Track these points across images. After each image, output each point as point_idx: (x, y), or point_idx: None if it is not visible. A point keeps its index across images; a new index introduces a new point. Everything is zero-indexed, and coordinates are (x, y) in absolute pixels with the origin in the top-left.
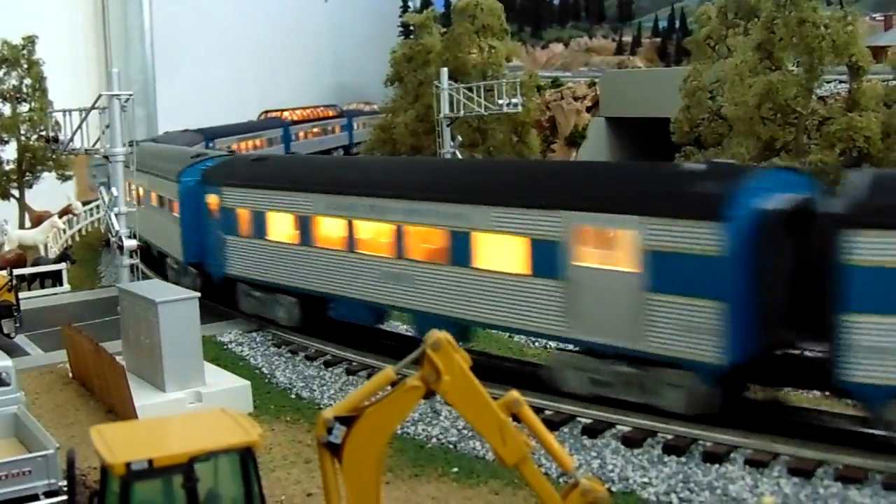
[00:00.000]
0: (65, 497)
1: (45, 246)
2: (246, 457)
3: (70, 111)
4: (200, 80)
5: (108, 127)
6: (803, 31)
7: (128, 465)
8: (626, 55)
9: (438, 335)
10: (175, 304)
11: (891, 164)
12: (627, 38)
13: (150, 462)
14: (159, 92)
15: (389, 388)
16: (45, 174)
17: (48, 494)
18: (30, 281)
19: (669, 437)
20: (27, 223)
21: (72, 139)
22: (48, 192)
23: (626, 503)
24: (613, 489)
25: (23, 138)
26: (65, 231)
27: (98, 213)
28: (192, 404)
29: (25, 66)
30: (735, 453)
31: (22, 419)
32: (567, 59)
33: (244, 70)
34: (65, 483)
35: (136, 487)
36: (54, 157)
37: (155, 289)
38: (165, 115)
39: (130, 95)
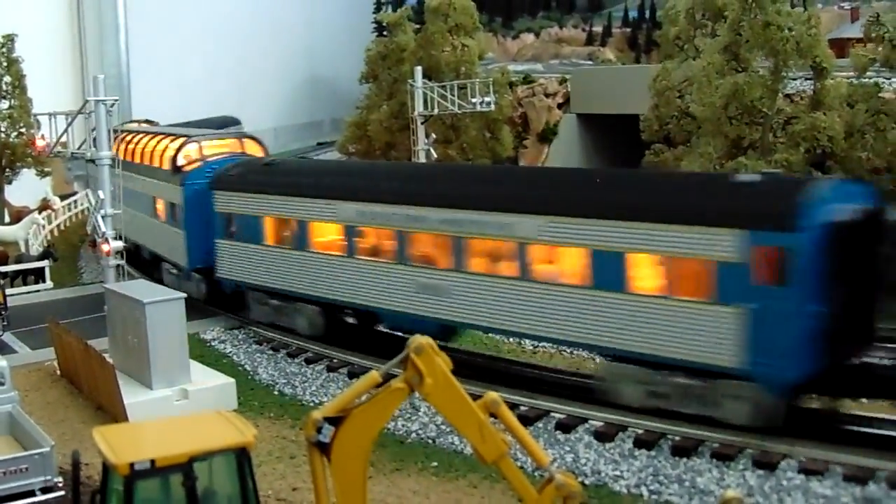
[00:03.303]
0: (61, 493)
1: (26, 242)
2: (241, 456)
3: (56, 114)
4: (175, 76)
5: (94, 130)
6: (768, 33)
7: (131, 465)
8: (597, 45)
9: (421, 340)
10: (162, 304)
11: (853, 163)
12: (598, 29)
13: (153, 462)
14: (134, 88)
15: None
16: (24, 170)
17: (44, 490)
18: (12, 278)
19: (640, 431)
20: (6, 219)
21: (57, 143)
22: (25, 187)
23: (598, 496)
24: (586, 482)
25: (2, 135)
26: (44, 227)
27: (76, 207)
28: (178, 402)
29: (5, 64)
30: (702, 447)
31: (16, 417)
32: (538, 50)
33: (219, 66)
34: (60, 479)
35: (139, 486)
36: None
37: (141, 289)
38: (141, 111)
39: (116, 100)
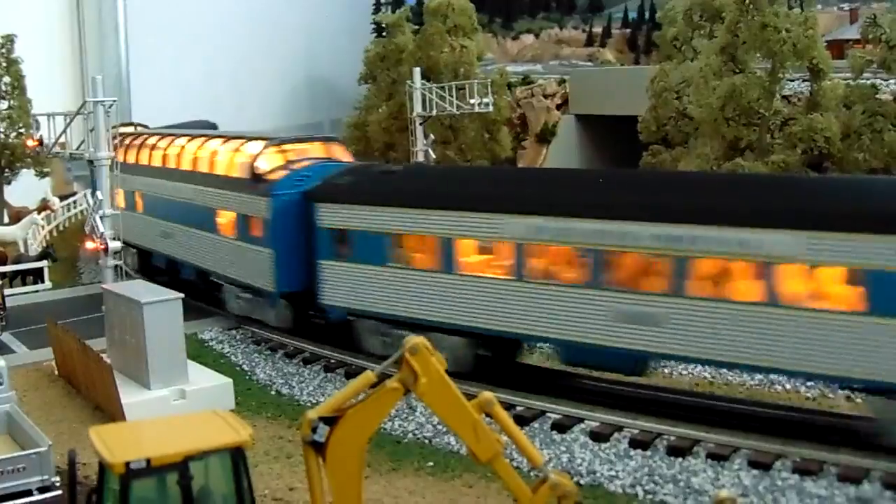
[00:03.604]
0: (58, 492)
1: (25, 242)
2: (237, 456)
3: (54, 115)
4: (175, 77)
5: (92, 131)
6: (765, 34)
7: (127, 464)
8: (597, 46)
9: (416, 340)
10: (159, 304)
11: (851, 164)
12: (597, 30)
13: (148, 461)
14: (133, 88)
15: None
16: (23, 170)
17: (42, 490)
18: (11, 278)
19: (635, 431)
20: (5, 219)
21: (55, 143)
22: (24, 187)
23: (593, 496)
24: (581, 482)
25: (1, 136)
26: (43, 227)
27: (76, 207)
28: (176, 401)
29: (4, 64)
30: (698, 447)
31: (14, 417)
32: (538, 51)
33: (219, 66)
34: (57, 479)
35: (135, 485)
36: (36, 155)
37: (139, 289)
38: (140, 112)
39: (115, 101)
